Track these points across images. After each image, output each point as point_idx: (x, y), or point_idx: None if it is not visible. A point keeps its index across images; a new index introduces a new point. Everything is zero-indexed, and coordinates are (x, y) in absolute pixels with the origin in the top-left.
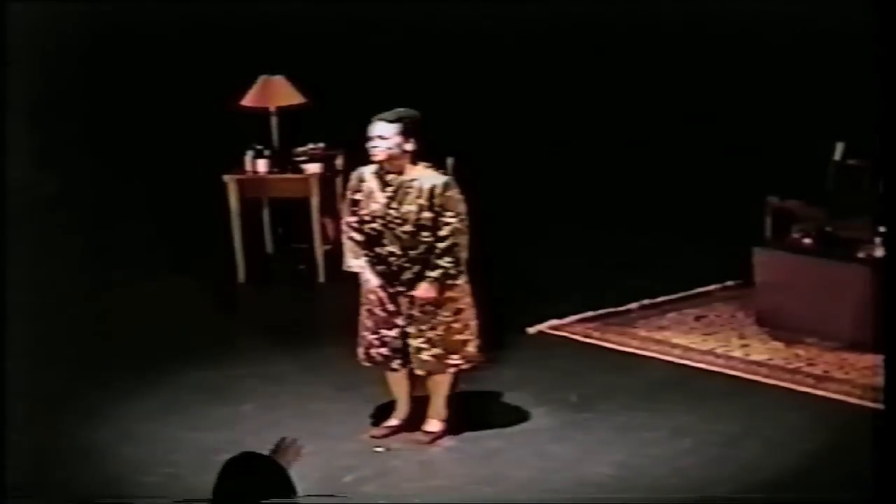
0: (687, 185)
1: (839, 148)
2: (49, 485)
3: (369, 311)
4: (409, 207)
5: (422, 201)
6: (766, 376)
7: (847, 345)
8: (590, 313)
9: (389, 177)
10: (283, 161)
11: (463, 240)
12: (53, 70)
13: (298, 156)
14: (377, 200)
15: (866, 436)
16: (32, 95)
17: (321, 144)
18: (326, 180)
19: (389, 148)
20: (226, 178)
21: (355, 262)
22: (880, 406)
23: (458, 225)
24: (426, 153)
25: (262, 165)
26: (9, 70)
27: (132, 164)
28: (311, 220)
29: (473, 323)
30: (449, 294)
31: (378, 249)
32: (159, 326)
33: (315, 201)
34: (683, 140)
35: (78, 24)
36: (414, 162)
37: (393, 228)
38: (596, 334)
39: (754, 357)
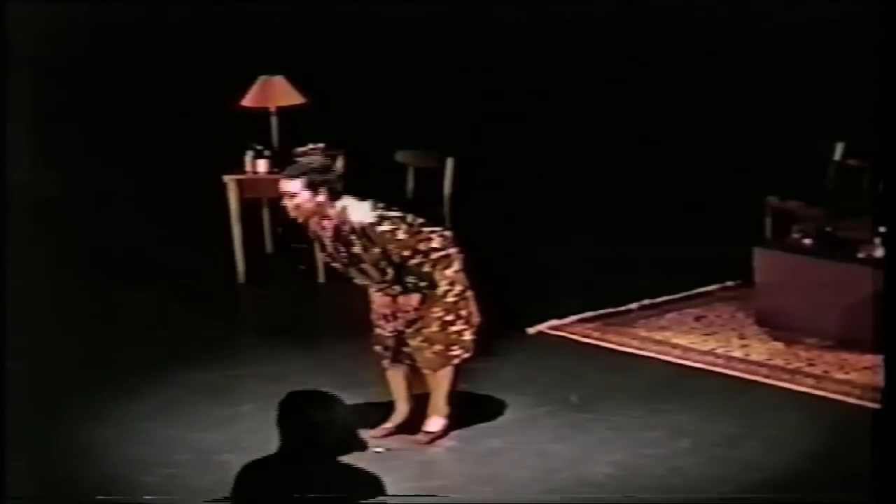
0: (687, 185)
1: (839, 148)
2: (49, 485)
3: (371, 307)
4: (356, 250)
5: (362, 241)
6: (766, 376)
7: (847, 345)
8: (590, 313)
9: (324, 222)
10: (283, 161)
11: (416, 259)
12: (53, 70)
13: (298, 156)
14: (326, 245)
15: (866, 436)
16: (33, 95)
17: (321, 144)
18: None
19: (299, 204)
20: (226, 178)
21: None
22: (880, 406)
23: (402, 254)
24: (350, 186)
25: (261, 166)
26: (9, 70)
27: (132, 164)
28: None
29: (465, 312)
30: (437, 291)
31: (354, 280)
32: (159, 327)
33: None
34: (683, 140)
35: (78, 24)
36: (336, 198)
37: (353, 267)
38: (596, 334)
39: (754, 357)
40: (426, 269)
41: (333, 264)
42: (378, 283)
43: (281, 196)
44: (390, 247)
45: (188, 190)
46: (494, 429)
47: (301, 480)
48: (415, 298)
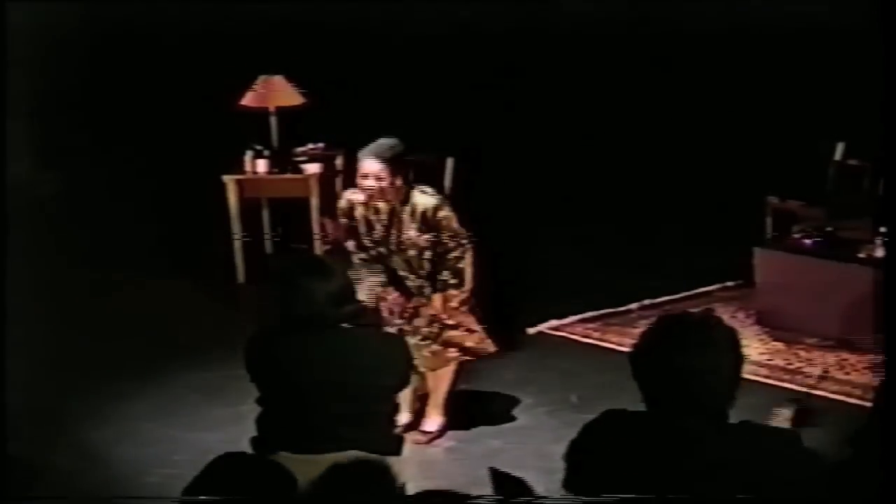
0: (687, 184)
1: (839, 148)
2: (49, 485)
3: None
4: (408, 234)
5: (417, 225)
6: (767, 376)
7: (847, 345)
8: (590, 313)
9: (380, 205)
10: (283, 161)
11: (463, 253)
12: (53, 70)
13: (298, 156)
14: (374, 228)
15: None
16: (32, 95)
17: (321, 144)
18: (326, 180)
19: (383, 187)
20: (225, 178)
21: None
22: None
23: (455, 244)
24: (413, 174)
25: (261, 166)
26: (9, 70)
27: (132, 163)
28: (311, 220)
29: (469, 318)
30: (463, 287)
31: (387, 265)
32: (159, 326)
33: (314, 201)
34: (684, 140)
35: (78, 24)
36: (404, 187)
37: (398, 253)
38: (596, 334)
39: (754, 357)
40: (460, 265)
41: (374, 249)
42: (409, 273)
43: (281, 195)
44: (445, 234)
45: (188, 190)
46: (494, 429)
47: (307, 349)
48: (439, 301)
